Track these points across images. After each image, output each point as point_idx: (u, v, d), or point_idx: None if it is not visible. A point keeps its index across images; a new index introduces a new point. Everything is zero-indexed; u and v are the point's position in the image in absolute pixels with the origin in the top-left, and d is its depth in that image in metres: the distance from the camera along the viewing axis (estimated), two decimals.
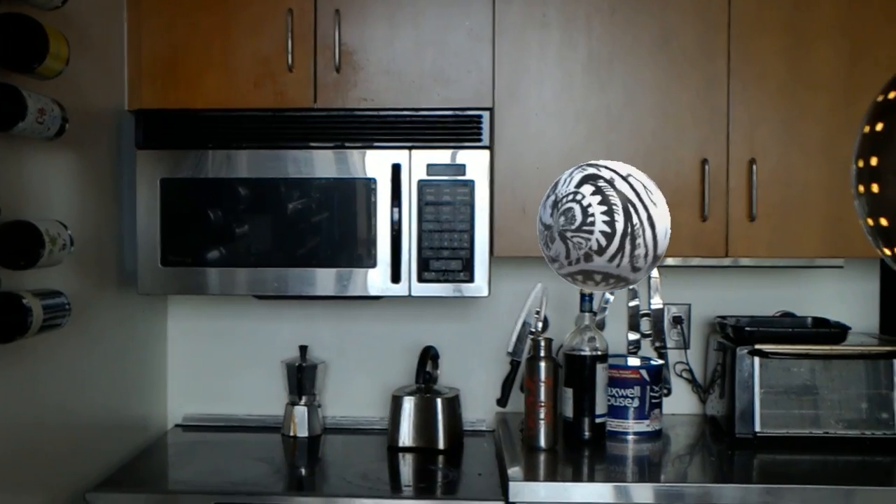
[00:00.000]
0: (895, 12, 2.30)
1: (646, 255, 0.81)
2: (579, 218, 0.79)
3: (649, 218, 0.80)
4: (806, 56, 2.37)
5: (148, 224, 2.41)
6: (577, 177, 0.80)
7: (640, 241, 0.80)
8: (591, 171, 0.80)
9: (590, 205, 0.80)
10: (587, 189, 0.80)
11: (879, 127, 0.89)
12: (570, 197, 0.81)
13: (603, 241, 0.79)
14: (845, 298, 2.74)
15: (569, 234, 0.80)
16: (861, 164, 0.91)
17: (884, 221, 0.90)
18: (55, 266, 1.95)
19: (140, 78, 2.43)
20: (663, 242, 0.81)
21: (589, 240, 0.80)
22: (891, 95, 0.89)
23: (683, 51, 2.39)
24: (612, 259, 0.80)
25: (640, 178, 0.78)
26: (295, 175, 2.41)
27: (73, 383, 2.17)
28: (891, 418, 2.39)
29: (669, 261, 2.48)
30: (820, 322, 2.58)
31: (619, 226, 0.79)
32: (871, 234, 0.94)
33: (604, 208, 0.79)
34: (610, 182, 0.79)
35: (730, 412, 2.42)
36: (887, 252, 0.92)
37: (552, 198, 0.82)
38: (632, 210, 0.79)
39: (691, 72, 2.39)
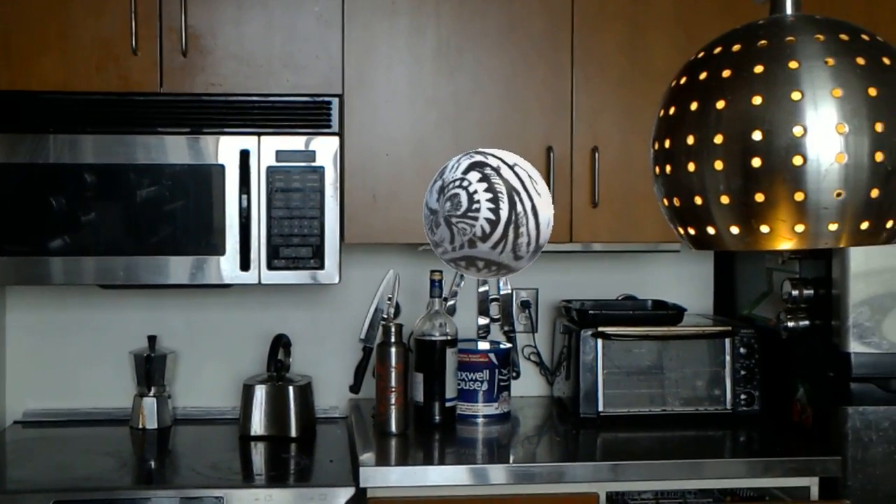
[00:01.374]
0: (726, 2, 2.41)
1: (528, 243, 0.83)
2: (465, 204, 0.81)
3: (533, 208, 0.81)
4: (644, 47, 2.46)
5: None
6: (465, 163, 0.82)
7: (523, 229, 0.82)
8: (479, 158, 0.82)
9: (476, 191, 0.81)
10: (474, 176, 0.81)
11: (672, 110, 0.93)
12: (457, 183, 0.82)
13: (487, 228, 0.80)
14: (682, 281, 2.87)
15: (454, 220, 0.81)
16: (657, 146, 0.95)
17: (677, 201, 0.95)
18: None
19: None
20: (545, 232, 0.84)
21: (473, 226, 0.81)
22: (682, 81, 0.94)
23: (530, 40, 2.44)
24: (495, 246, 0.81)
25: (525, 167, 0.80)
26: (144, 161, 2.35)
27: None
28: (723, 395, 2.52)
29: None
30: (659, 304, 2.69)
31: (504, 213, 0.80)
32: (668, 214, 0.98)
33: (489, 195, 0.80)
34: (496, 170, 0.81)
35: (575, 393, 2.50)
36: (681, 231, 0.97)
37: (439, 183, 0.83)
38: (516, 199, 0.80)
39: (537, 61, 2.45)
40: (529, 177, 0.83)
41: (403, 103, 2.42)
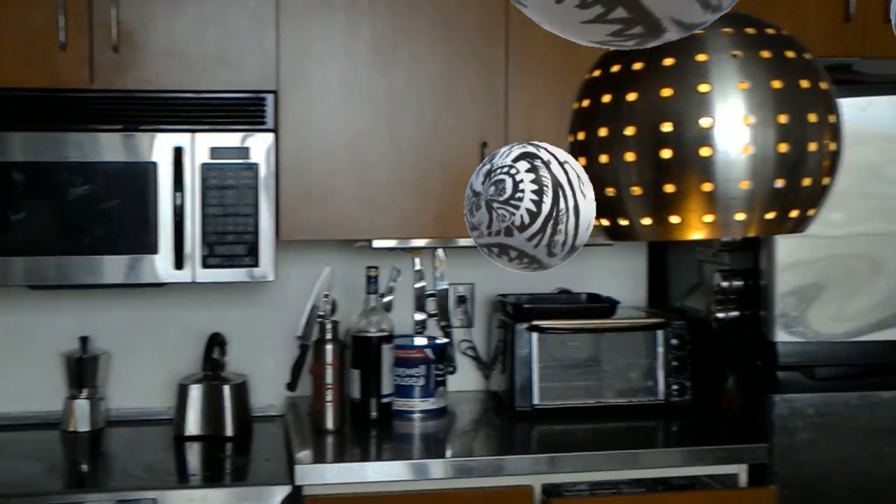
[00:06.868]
0: None
1: (564, 242, 0.84)
2: (509, 191, 0.82)
3: (576, 207, 0.82)
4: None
5: None
6: (516, 152, 0.83)
7: (561, 227, 0.82)
8: (531, 149, 0.83)
9: (522, 180, 0.82)
10: (523, 165, 0.82)
11: (586, 103, 0.95)
12: (505, 169, 0.83)
13: (527, 219, 0.81)
14: (616, 274, 2.90)
15: (495, 205, 0.82)
16: (572, 139, 0.97)
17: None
18: None
19: None
20: (583, 235, 0.85)
21: (514, 214, 0.82)
22: (596, 74, 0.95)
23: (464, 36, 2.45)
24: (531, 238, 0.82)
25: (575, 167, 0.81)
26: (76, 159, 2.31)
27: None
28: (656, 385, 2.56)
29: (460, 241, 2.53)
30: (593, 298, 2.72)
31: (546, 207, 0.81)
32: None
33: (535, 187, 0.81)
34: (546, 164, 0.82)
35: (510, 387, 2.51)
36: (596, 223, 0.99)
37: (487, 167, 0.84)
38: (561, 195, 0.81)
39: (472, 56, 2.46)
40: (578, 176, 0.84)
41: (338, 99, 2.42)
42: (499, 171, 0.89)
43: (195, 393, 2.50)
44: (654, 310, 2.83)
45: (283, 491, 2.13)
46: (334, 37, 2.42)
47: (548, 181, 0.87)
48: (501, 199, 0.88)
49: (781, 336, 2.28)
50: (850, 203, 2.27)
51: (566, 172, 0.87)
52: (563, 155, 0.87)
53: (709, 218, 0.89)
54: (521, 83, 2.48)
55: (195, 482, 2.28)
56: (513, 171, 0.88)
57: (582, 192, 0.87)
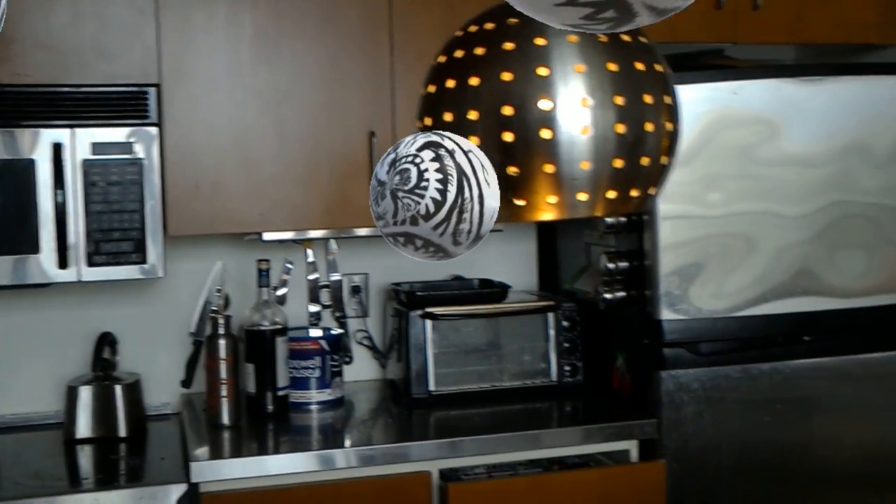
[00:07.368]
0: None
1: (469, 231, 0.84)
2: (414, 180, 0.82)
3: (480, 196, 0.83)
4: None
5: None
6: (421, 141, 0.83)
7: (466, 215, 0.83)
8: (436, 139, 0.83)
9: (426, 169, 0.82)
10: (427, 154, 0.83)
11: (432, 89, 0.96)
12: (410, 158, 0.83)
13: (432, 208, 0.82)
14: (508, 259, 2.94)
15: (400, 194, 0.82)
16: (420, 124, 0.98)
17: None
18: None
19: None
20: (488, 224, 0.85)
21: (419, 203, 0.82)
22: (441, 59, 0.97)
23: (349, 27, 2.45)
24: (436, 227, 0.83)
25: (479, 156, 0.82)
26: None
27: None
28: (548, 367, 2.60)
29: (353, 231, 2.53)
30: (485, 283, 2.76)
31: (451, 196, 0.82)
32: None
33: (439, 176, 0.82)
34: (451, 153, 0.82)
35: (406, 374, 2.53)
36: None
37: (392, 156, 0.84)
38: (465, 184, 0.82)
39: (357, 48, 2.45)
40: (482, 165, 0.85)
41: (223, 92, 2.39)
42: (403, 160, 0.90)
43: (85, 394, 2.44)
44: (544, 293, 2.87)
45: (178, 489, 2.10)
46: (217, 29, 2.38)
47: (452, 170, 0.88)
48: (406, 188, 0.89)
49: (666, 314, 2.34)
50: (726, 184, 2.35)
51: (470, 161, 0.88)
52: (467, 144, 0.88)
53: (553, 199, 0.91)
54: (407, 72, 2.48)
55: (87, 486, 2.23)
56: (417, 160, 0.89)
57: (486, 181, 0.88)
